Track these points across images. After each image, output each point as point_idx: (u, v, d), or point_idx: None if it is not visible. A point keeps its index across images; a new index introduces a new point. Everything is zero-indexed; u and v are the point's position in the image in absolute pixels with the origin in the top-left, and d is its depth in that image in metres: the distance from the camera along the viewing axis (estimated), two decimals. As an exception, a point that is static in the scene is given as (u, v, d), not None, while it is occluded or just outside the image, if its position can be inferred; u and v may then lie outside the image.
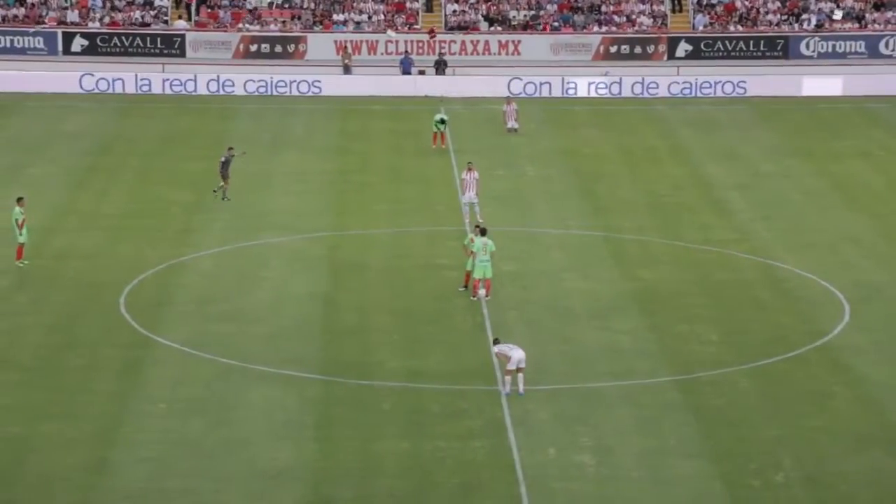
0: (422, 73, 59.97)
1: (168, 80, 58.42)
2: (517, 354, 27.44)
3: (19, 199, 34.83)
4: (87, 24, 60.82)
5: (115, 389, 27.69)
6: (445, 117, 49.43)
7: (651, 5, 62.76)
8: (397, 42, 61.02)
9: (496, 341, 28.82)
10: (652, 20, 62.31)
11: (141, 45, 60.88)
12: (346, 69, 59.57)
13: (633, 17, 62.44)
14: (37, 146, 48.46)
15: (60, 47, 60.27)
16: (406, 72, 59.59)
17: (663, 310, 33.29)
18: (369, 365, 29.18)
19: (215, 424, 26.15)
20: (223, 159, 42.58)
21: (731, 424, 26.35)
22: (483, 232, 33.00)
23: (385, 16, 62.39)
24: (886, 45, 60.30)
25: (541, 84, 58.87)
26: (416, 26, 62.15)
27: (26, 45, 60.20)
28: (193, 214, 40.95)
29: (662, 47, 61.40)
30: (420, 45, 60.96)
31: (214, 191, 42.43)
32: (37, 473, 23.82)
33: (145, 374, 28.69)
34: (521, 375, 27.55)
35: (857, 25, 61.36)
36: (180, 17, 62.09)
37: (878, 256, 36.82)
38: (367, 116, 54.29)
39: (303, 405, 27.27)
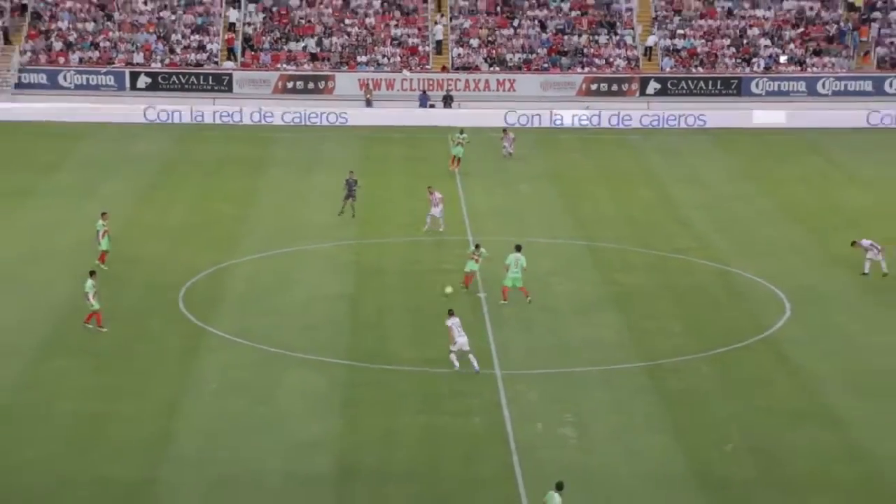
0: (432, 106, 60.16)
1: (218, 111, 58.74)
2: (461, 340, 27.80)
3: (103, 214, 35.24)
4: (150, 65, 61.16)
5: (176, 373, 28.02)
6: (462, 136, 50.07)
7: (626, 50, 62.89)
8: (412, 80, 61.29)
9: (451, 312, 28.65)
10: (626, 62, 62.48)
11: (195, 82, 61.22)
12: (368, 103, 59.89)
13: (611, 59, 62.68)
14: (108, 168, 48.93)
15: (128, 84, 60.59)
16: (423, 105, 59.86)
17: (636, 308, 33.41)
18: (388, 353, 29.39)
19: (258, 402, 26.46)
20: (346, 179, 42.66)
21: (691, 404, 26.62)
22: (518, 248, 32.99)
23: (401, 58, 62.61)
24: (823, 86, 60.52)
25: (532, 116, 58.86)
26: (427, 66, 62.33)
27: (99, 83, 60.52)
28: (240, 225, 41.33)
29: (635, 85, 61.63)
30: (430, 82, 61.16)
31: (341, 212, 42.82)
32: (113, 441, 24.24)
33: (200, 359, 29.04)
34: (471, 356, 27.83)
35: (798, 68, 61.45)
36: (228, 59, 62.28)
37: (815, 264, 37.23)
38: (387, 143, 54.62)
39: (332, 386, 27.44)
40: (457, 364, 27.88)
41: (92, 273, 30.79)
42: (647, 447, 24.27)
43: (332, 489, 22.32)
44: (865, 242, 34.67)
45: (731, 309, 33.75)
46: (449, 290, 32.00)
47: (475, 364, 27.93)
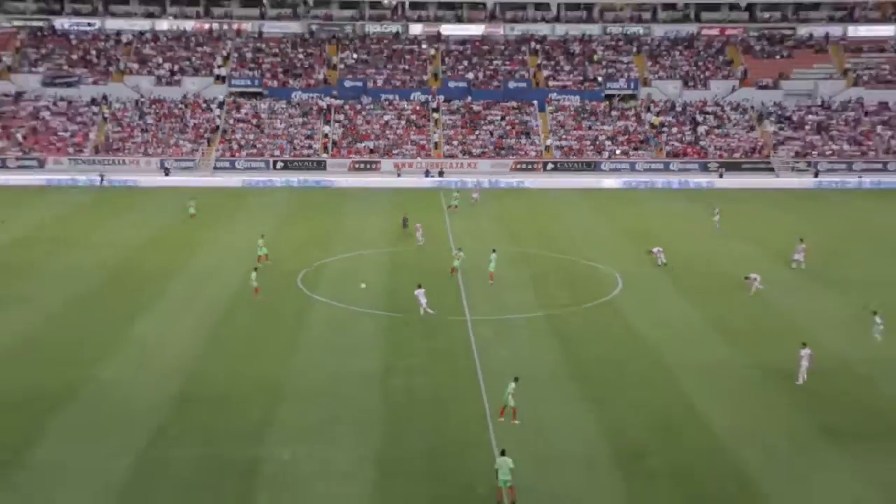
0: (433, 176, 60.04)
1: (318, 181, 58.62)
2: (423, 301, 27.93)
3: (262, 236, 36.20)
4: (282, 155, 61.12)
5: (296, 322, 28.23)
6: (456, 194, 49.64)
7: (535, 146, 63.04)
8: (422, 163, 61.26)
9: (419, 285, 28.30)
10: (536, 153, 62.65)
11: (307, 165, 61.32)
12: (399, 175, 59.78)
13: (527, 151, 62.82)
14: (261, 210, 49.12)
15: (271, 166, 60.58)
16: (427, 176, 59.93)
17: (541, 284, 33.54)
18: (408, 308, 29.29)
19: (339, 334, 26.96)
20: (403, 217, 42.16)
21: (569, 336, 26.95)
22: (493, 250, 33.13)
23: (416, 151, 62.68)
24: (639, 166, 60.82)
25: (487, 181, 58.65)
26: (430, 155, 62.43)
27: (255, 166, 60.81)
28: (330, 240, 41.33)
29: (540, 166, 61.68)
30: (432, 164, 61.24)
31: (405, 226, 41.43)
32: (265, 355, 24.85)
33: (310, 314, 29.15)
34: (429, 310, 27.97)
35: (626, 157, 61.68)
36: (324, 152, 62.26)
37: (635, 260, 37.37)
38: (408, 197, 54.64)
39: (379, 326, 27.85)
40: (428, 312, 28.16)
41: (255, 269, 31.62)
42: (547, 359, 25.05)
43: (379, 379, 22.85)
44: (655, 249, 34.73)
45: (589, 284, 33.72)
46: (363, 285, 31.07)
47: (431, 312, 28.02)
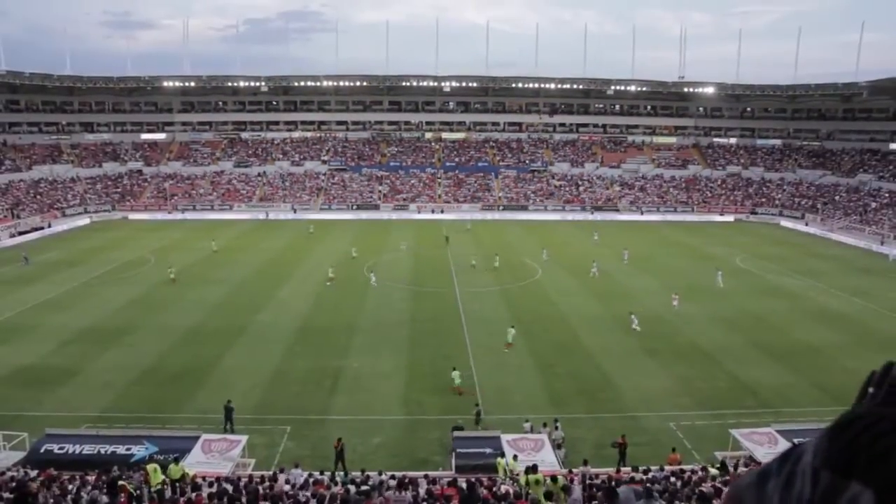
0: (436, 212, 56.81)
1: (375, 216, 54.08)
2: (373, 279, 26.23)
3: (354, 248, 34.14)
4: (356, 202, 57.14)
5: (362, 291, 26.65)
6: (468, 225, 44.96)
7: (493, 196, 60.12)
8: (431, 206, 58.42)
9: (371, 272, 26.97)
10: (493, 200, 58.35)
11: (369, 207, 55.42)
12: (419, 212, 56.95)
13: (488, 199, 59.49)
14: (345, 231, 43.00)
15: (351, 207, 54.19)
16: (433, 213, 56.21)
17: (497, 271, 31.02)
18: (424, 283, 27.79)
19: (386, 298, 25.88)
20: (445, 236, 37.44)
21: (511, 300, 25.53)
22: (497, 255, 30.93)
23: (427, 199, 59.78)
24: (548, 208, 53.26)
25: (470, 219, 52.78)
26: (436, 201, 59.29)
27: (342, 208, 52.04)
28: (381, 246, 37.09)
29: (496, 207, 56.01)
30: (438, 206, 58.04)
31: (447, 242, 36.62)
32: (343, 314, 23.22)
33: (370, 287, 27.01)
34: (375, 284, 25.89)
35: (541, 203, 55.82)
36: (379, 200, 59.51)
37: (546, 259, 35.00)
38: (423, 225, 50.15)
39: (406, 294, 26.58)
40: (374, 285, 26.08)
41: (330, 269, 28.76)
42: (500, 311, 23.97)
43: (406, 323, 22.19)
44: (595, 265, 29.54)
45: (522, 271, 31.12)
46: (474, 262, 29.05)
47: (375, 285, 25.97)
